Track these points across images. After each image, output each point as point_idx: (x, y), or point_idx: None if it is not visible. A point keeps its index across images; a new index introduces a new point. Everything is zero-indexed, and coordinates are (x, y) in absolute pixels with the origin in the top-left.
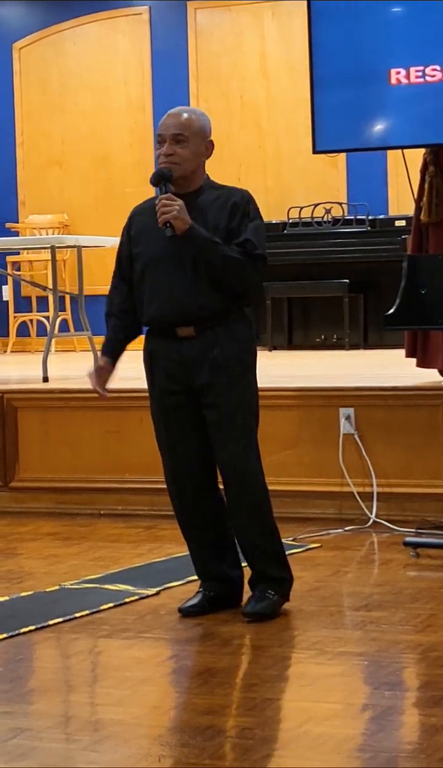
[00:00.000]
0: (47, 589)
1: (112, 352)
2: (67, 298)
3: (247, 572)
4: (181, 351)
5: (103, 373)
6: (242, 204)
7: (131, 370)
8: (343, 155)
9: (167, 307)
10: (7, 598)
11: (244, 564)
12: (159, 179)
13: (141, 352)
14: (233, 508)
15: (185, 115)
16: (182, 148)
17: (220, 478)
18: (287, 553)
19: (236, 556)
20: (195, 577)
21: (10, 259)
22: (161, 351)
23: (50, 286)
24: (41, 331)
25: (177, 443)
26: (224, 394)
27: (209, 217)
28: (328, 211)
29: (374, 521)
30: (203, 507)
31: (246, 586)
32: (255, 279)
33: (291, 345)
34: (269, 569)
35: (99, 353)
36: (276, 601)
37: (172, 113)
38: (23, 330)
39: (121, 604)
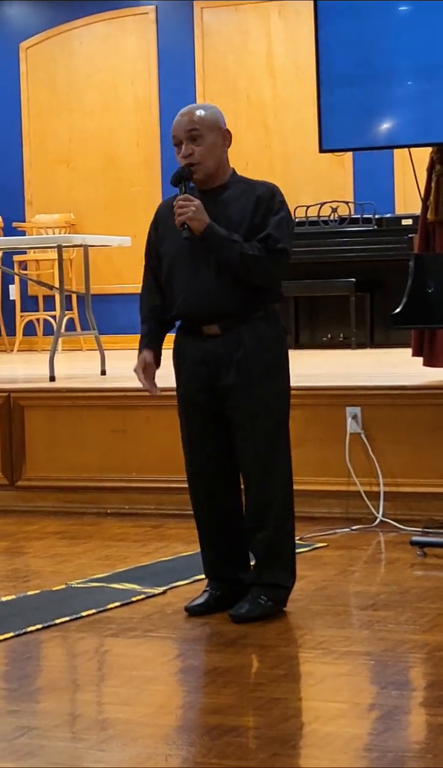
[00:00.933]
0: (54, 588)
1: (153, 346)
2: (74, 297)
3: None
4: (206, 349)
5: (150, 368)
6: (266, 198)
7: None
8: (350, 154)
9: (193, 304)
10: (13, 596)
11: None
12: (178, 180)
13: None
14: (254, 510)
15: (196, 111)
16: (199, 144)
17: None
18: None
19: (245, 557)
20: (202, 576)
21: (17, 258)
22: (187, 348)
23: (57, 285)
24: (48, 330)
25: (197, 441)
26: (247, 395)
27: (234, 211)
28: (335, 210)
29: (381, 520)
30: (218, 506)
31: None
32: (277, 274)
33: (298, 344)
34: (270, 575)
35: (139, 350)
36: (267, 607)
37: (182, 113)
38: (30, 329)
39: (127, 603)
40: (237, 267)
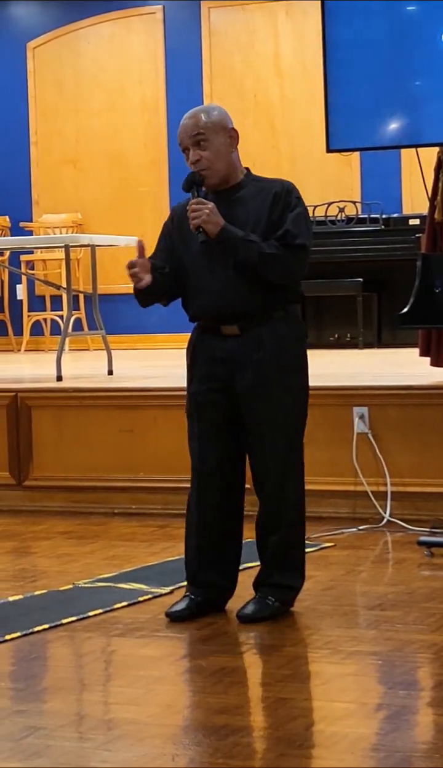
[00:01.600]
0: (61, 588)
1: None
2: (81, 297)
3: (243, 577)
4: (225, 349)
5: (145, 264)
6: (282, 194)
7: (145, 369)
8: (357, 154)
9: (212, 304)
10: (21, 596)
11: (241, 567)
12: (190, 185)
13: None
14: (268, 513)
15: (200, 115)
16: (206, 149)
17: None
18: None
19: (233, 563)
20: None
21: (24, 258)
22: (204, 347)
23: (64, 285)
24: (55, 330)
25: (210, 441)
26: (264, 396)
27: (250, 210)
28: (342, 210)
29: (388, 520)
30: (219, 508)
31: (237, 591)
32: (297, 270)
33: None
34: (278, 576)
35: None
36: (275, 608)
37: (186, 117)
38: (37, 329)
39: (134, 603)
40: (257, 266)
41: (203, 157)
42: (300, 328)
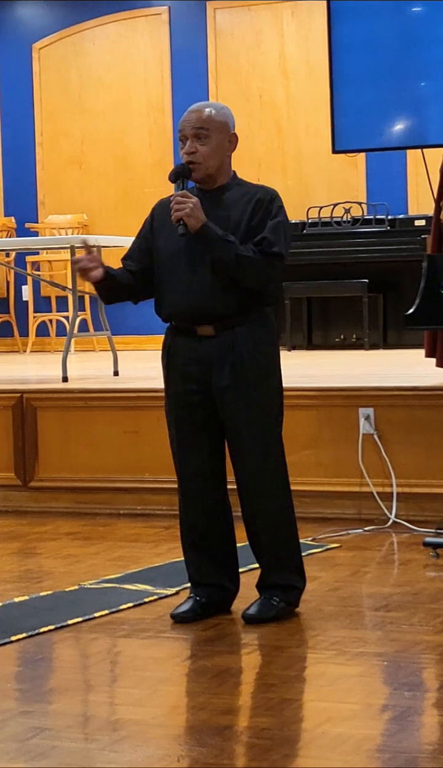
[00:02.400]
0: (66, 589)
1: (108, 268)
2: (87, 297)
3: (247, 578)
4: (200, 350)
5: (95, 258)
6: (264, 201)
7: (150, 370)
8: (363, 155)
9: (186, 304)
10: (26, 597)
11: (242, 569)
12: (177, 176)
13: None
14: (253, 514)
15: (206, 110)
16: (204, 144)
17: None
18: (307, 553)
19: (234, 563)
20: None
21: (29, 259)
22: (179, 349)
23: (70, 285)
24: (61, 330)
25: (188, 443)
26: (242, 397)
27: (232, 214)
28: (347, 211)
29: (393, 521)
30: (209, 509)
31: (241, 592)
32: (271, 277)
33: (311, 345)
34: (281, 576)
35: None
36: (281, 608)
37: (192, 109)
38: (43, 330)
39: (140, 604)
40: (232, 267)
41: (200, 150)
42: (274, 330)
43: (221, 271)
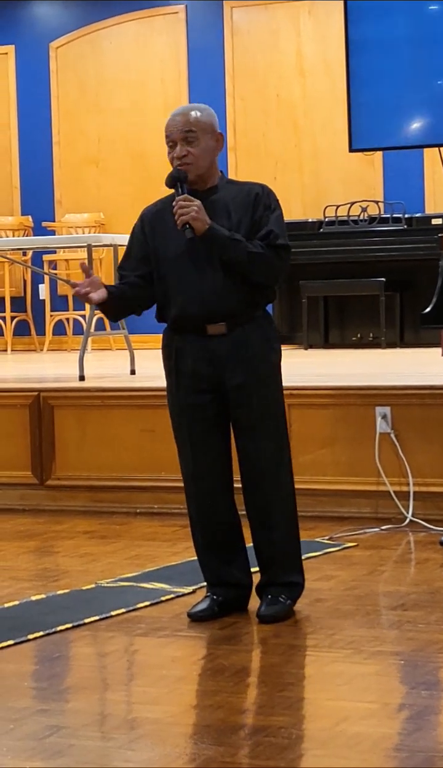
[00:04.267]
0: (83, 588)
1: (110, 288)
2: None
3: (256, 577)
4: (211, 349)
5: (95, 280)
6: (263, 196)
7: None
8: (379, 153)
9: (198, 304)
10: (43, 596)
11: (254, 569)
12: (174, 181)
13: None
14: (266, 512)
15: (192, 112)
16: (194, 146)
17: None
18: (323, 552)
19: (245, 560)
20: None
21: (46, 258)
22: (188, 349)
23: None
24: (77, 329)
25: (200, 443)
26: (256, 394)
27: (232, 211)
28: (364, 210)
29: (410, 520)
30: (220, 509)
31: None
32: (281, 269)
33: (327, 343)
34: (286, 574)
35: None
36: (289, 606)
37: (177, 113)
38: (60, 328)
39: (157, 603)
40: (245, 265)
41: (191, 152)
42: (275, 329)
43: (234, 270)
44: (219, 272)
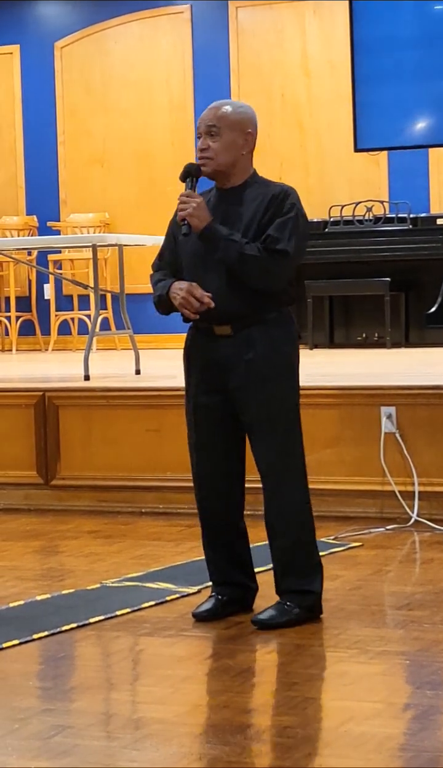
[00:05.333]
0: (89, 587)
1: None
2: (109, 296)
3: (267, 576)
4: (218, 350)
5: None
6: (277, 199)
7: (172, 368)
8: (384, 153)
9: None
10: (48, 595)
11: (258, 569)
12: (186, 175)
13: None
14: (270, 515)
15: (222, 107)
16: (215, 141)
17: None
18: (328, 552)
19: (249, 562)
20: None
21: (51, 257)
22: (198, 349)
23: (92, 284)
24: (82, 329)
25: (206, 444)
26: (258, 397)
27: (247, 211)
28: (369, 210)
29: (415, 520)
30: (228, 510)
31: (263, 590)
32: (276, 275)
33: (332, 343)
34: (293, 582)
35: (163, 288)
36: (295, 614)
37: (210, 106)
38: (65, 328)
39: (162, 603)
40: (236, 266)
41: (211, 147)
42: (293, 329)
43: (229, 270)
44: (225, 273)
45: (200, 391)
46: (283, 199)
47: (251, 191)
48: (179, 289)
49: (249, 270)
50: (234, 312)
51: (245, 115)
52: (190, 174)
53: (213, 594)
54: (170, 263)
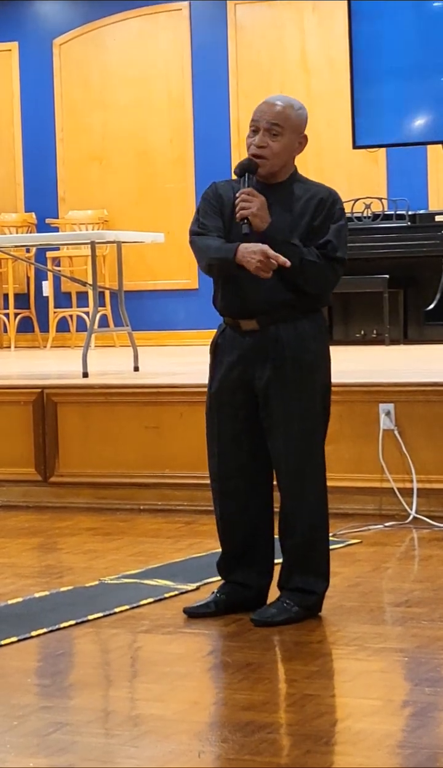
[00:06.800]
0: (87, 584)
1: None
2: (107, 293)
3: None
4: (244, 346)
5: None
6: (327, 203)
7: (171, 365)
8: (383, 150)
9: (233, 297)
10: (47, 592)
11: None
12: (243, 171)
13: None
14: (286, 515)
15: (286, 107)
16: (275, 141)
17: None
18: None
19: (269, 564)
20: None
21: (50, 254)
22: (226, 346)
23: (90, 281)
24: (81, 326)
25: (231, 441)
26: (282, 394)
27: (293, 211)
28: (368, 207)
29: (414, 517)
30: (248, 508)
31: (269, 593)
32: (332, 282)
33: (331, 340)
34: (298, 580)
35: (235, 248)
36: (294, 612)
37: (270, 101)
38: (63, 325)
39: (160, 600)
40: (296, 271)
41: (270, 146)
42: (322, 326)
43: (283, 274)
44: None
45: (224, 387)
46: (333, 204)
47: (294, 189)
48: (253, 252)
49: (309, 275)
50: (264, 307)
51: (304, 118)
52: (247, 170)
53: (215, 591)
54: (219, 228)
